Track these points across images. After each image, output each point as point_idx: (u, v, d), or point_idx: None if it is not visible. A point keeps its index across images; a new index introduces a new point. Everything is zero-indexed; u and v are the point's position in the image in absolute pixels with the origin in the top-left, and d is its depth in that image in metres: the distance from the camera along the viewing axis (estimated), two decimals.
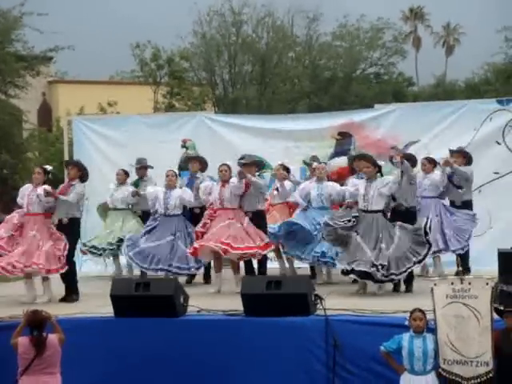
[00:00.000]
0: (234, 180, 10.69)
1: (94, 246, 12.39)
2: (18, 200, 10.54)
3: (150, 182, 12.40)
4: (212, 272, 11.51)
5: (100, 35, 65.50)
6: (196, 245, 10.50)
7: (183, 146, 13.41)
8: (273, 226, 11.06)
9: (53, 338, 7.72)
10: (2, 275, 10.38)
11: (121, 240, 11.98)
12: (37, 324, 7.68)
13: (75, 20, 66.99)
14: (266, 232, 10.90)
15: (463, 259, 11.37)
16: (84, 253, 12.65)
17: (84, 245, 12.44)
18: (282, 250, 11.40)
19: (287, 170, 11.80)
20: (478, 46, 53.50)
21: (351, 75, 37.73)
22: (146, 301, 8.66)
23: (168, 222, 11.13)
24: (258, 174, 11.13)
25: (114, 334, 8.66)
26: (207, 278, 11.65)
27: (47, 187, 10.26)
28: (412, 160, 10.80)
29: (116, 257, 12.52)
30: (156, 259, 10.90)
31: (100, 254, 12.45)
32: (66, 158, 13.67)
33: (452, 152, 11.64)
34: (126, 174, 12.65)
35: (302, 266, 11.62)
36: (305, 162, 12.29)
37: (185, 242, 11.02)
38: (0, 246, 10.21)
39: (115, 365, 8.58)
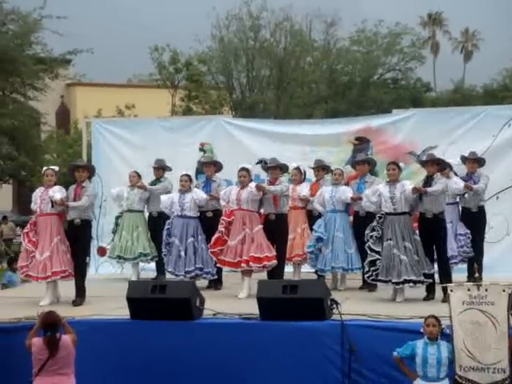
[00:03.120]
0: (252, 185, 10.72)
1: (118, 256, 12.60)
2: (32, 206, 10.53)
3: (166, 182, 12.46)
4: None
5: (118, 38, 65.73)
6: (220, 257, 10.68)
7: (201, 150, 13.46)
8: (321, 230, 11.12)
9: (66, 338, 7.73)
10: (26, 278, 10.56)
11: (141, 254, 12.43)
12: (50, 324, 7.69)
13: (94, 23, 67.38)
14: (286, 236, 11.01)
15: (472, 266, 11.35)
16: (102, 254, 12.95)
17: (109, 257, 12.81)
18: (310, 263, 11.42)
19: (302, 173, 11.88)
20: (496, 52, 53.29)
21: (369, 80, 37.71)
22: (162, 303, 8.65)
23: (184, 224, 11.18)
24: (281, 176, 11.15)
25: (130, 336, 8.67)
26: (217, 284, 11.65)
27: (57, 198, 10.13)
28: (441, 165, 10.51)
29: (136, 263, 12.67)
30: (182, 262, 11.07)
31: (124, 260, 12.68)
32: (85, 159, 13.72)
33: (465, 159, 11.57)
34: (139, 176, 12.71)
35: (310, 271, 11.62)
36: (310, 167, 12.24)
37: (193, 247, 11.12)
38: (31, 241, 10.30)
39: (130, 367, 8.59)
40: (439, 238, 10.09)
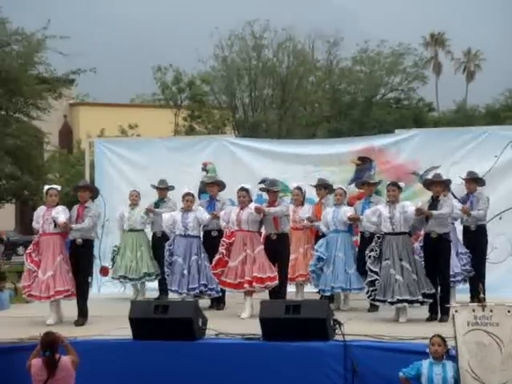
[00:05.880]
0: (252, 206, 10.70)
1: (123, 276, 12.63)
2: (34, 225, 10.52)
3: (171, 203, 12.44)
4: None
5: (122, 58, 66.08)
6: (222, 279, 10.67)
7: (203, 169, 13.46)
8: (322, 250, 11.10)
9: (66, 359, 7.68)
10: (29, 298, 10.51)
11: (145, 274, 12.48)
12: (49, 345, 7.65)
13: (97, 43, 67.61)
14: (287, 255, 10.97)
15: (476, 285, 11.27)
16: (105, 274, 12.92)
17: (112, 277, 12.85)
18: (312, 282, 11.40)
19: (303, 193, 11.85)
20: (498, 73, 53.44)
21: (371, 100, 37.83)
22: (164, 323, 8.64)
23: (188, 243, 11.13)
24: (280, 196, 11.12)
25: (132, 356, 8.64)
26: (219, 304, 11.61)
27: (61, 221, 10.11)
28: (446, 184, 10.52)
29: (142, 283, 12.67)
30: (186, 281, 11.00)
31: (128, 280, 12.70)
32: (87, 179, 13.71)
33: (465, 180, 11.53)
34: (139, 195, 12.74)
35: (313, 291, 11.58)
36: (312, 185, 12.21)
37: (197, 264, 11.08)
38: (34, 261, 10.29)
39: None
40: (442, 258, 10.04)
